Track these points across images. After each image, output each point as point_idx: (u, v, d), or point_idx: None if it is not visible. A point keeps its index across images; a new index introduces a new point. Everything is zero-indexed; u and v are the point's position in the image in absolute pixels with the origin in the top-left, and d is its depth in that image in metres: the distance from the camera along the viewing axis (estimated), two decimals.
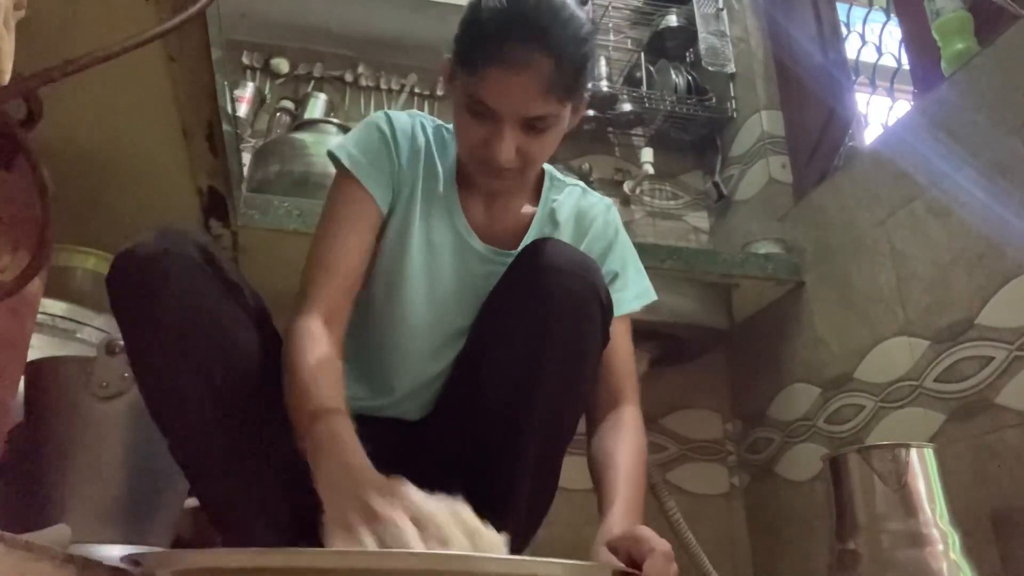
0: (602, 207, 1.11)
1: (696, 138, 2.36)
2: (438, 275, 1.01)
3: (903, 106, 1.85)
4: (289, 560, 0.55)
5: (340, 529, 0.62)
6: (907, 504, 0.80)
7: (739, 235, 2.10)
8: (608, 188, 2.30)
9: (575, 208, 1.09)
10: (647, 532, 0.75)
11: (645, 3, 2.38)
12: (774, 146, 2.09)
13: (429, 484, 0.70)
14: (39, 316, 1.09)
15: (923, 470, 0.83)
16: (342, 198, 0.97)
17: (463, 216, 1.02)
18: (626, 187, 2.30)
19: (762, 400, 1.95)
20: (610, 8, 2.33)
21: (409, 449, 0.98)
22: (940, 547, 0.77)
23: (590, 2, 2.28)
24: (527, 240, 1.02)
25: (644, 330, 1.88)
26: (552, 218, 1.07)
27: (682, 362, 1.97)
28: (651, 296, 1.09)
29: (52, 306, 1.18)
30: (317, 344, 0.85)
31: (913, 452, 0.83)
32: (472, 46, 0.88)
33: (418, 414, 1.03)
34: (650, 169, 2.25)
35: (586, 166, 2.25)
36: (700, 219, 2.35)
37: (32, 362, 1.03)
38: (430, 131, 1.05)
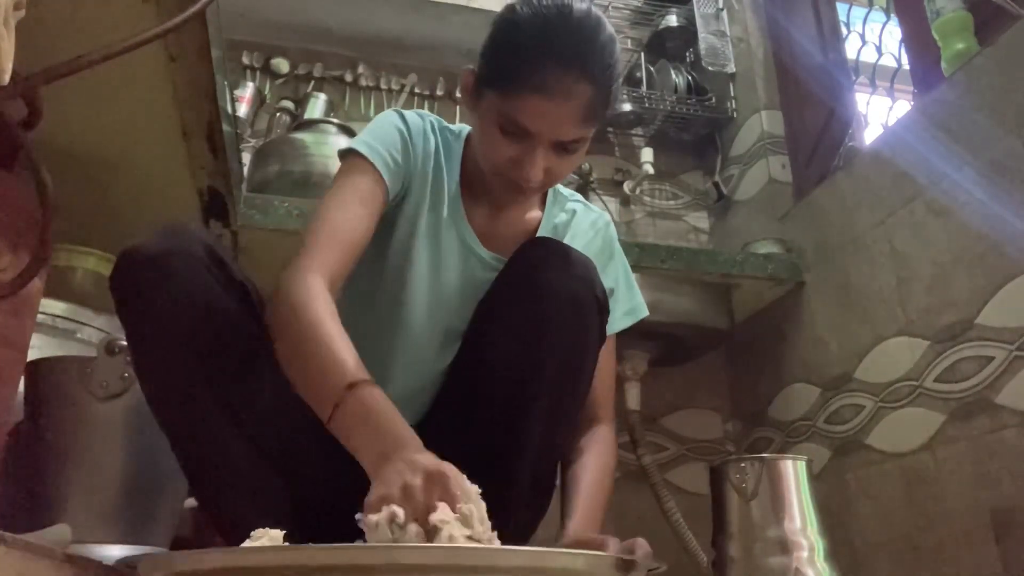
0: (602, 223, 1.13)
1: (696, 138, 2.36)
2: (442, 278, 1.01)
3: (903, 106, 1.85)
4: (281, 558, 0.55)
5: (380, 514, 0.61)
6: (776, 514, 0.86)
7: (739, 235, 2.10)
8: (608, 188, 2.30)
9: (574, 223, 1.10)
10: (643, 543, 0.76)
11: (645, 3, 2.38)
12: (774, 146, 2.09)
13: None
14: (39, 316, 1.09)
15: (795, 482, 0.87)
16: (355, 173, 0.95)
17: (468, 223, 1.03)
18: (626, 187, 2.30)
19: (762, 400, 1.95)
20: (610, 8, 2.33)
21: None
22: (806, 554, 0.82)
23: (590, 2, 2.28)
24: None
25: (644, 330, 1.87)
26: (556, 231, 1.08)
27: (682, 362, 1.97)
28: (642, 312, 1.10)
29: (52, 306, 1.18)
30: (328, 307, 0.82)
31: (781, 464, 0.87)
32: (509, 68, 0.87)
33: (415, 417, 1.03)
34: (650, 169, 2.25)
35: (586, 166, 2.25)
36: (700, 219, 2.35)
37: (32, 362, 1.03)
38: (439, 132, 1.05)
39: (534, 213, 1.08)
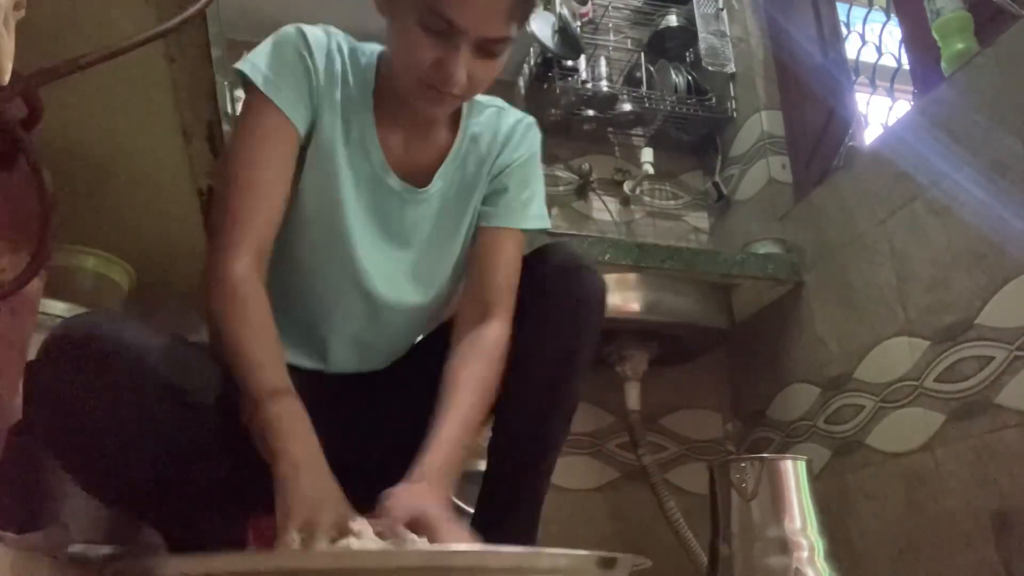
0: (522, 126, 1.05)
1: (696, 138, 2.36)
2: (373, 210, 0.97)
3: (903, 106, 1.85)
4: (253, 563, 0.55)
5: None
6: (776, 514, 0.86)
7: (739, 235, 2.10)
8: (608, 188, 2.30)
9: (494, 129, 1.03)
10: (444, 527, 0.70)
11: (645, 3, 2.38)
12: (774, 146, 2.10)
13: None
14: (39, 316, 1.09)
15: (795, 482, 0.87)
16: (259, 121, 0.90)
17: (380, 151, 0.96)
18: (626, 187, 2.30)
19: (762, 400, 1.95)
20: (610, 8, 2.33)
21: (356, 398, 0.97)
22: (806, 554, 0.82)
23: (590, 2, 2.28)
24: (442, 173, 0.98)
25: (644, 330, 1.88)
26: (473, 144, 1.01)
27: (682, 362, 1.97)
28: (547, 224, 1.04)
29: (52, 306, 1.17)
30: (255, 301, 0.82)
31: (781, 464, 0.87)
32: None
33: (391, 358, 1.02)
34: (650, 169, 2.24)
35: (586, 166, 2.25)
36: (700, 219, 2.35)
37: (32, 362, 1.03)
38: (346, 53, 0.99)
39: (448, 132, 1.01)
